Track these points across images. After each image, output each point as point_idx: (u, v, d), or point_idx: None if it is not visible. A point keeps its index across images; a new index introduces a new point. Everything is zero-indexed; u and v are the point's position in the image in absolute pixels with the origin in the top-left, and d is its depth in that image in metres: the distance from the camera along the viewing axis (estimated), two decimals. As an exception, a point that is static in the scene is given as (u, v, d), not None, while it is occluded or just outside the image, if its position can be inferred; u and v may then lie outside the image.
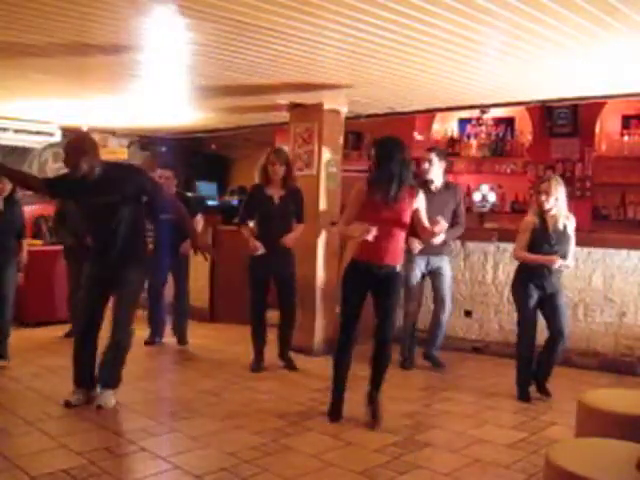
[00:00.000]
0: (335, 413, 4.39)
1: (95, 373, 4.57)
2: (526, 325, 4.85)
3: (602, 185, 7.61)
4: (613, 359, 5.75)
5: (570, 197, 7.49)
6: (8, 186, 5.49)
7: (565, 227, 4.79)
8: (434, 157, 5.55)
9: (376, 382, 4.37)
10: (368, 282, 4.25)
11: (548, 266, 4.73)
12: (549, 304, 4.85)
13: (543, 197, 4.73)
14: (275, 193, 5.50)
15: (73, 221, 6.31)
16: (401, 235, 4.25)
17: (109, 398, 4.47)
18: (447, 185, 5.72)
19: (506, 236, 6.36)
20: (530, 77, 5.11)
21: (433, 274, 5.72)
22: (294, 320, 5.74)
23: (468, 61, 4.56)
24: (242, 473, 3.48)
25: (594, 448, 2.74)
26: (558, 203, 4.74)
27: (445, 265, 5.73)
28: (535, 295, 4.82)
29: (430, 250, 5.46)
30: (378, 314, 4.29)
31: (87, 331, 4.54)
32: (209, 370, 5.64)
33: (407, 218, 4.21)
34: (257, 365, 5.63)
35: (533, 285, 4.81)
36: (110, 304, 4.59)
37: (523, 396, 4.87)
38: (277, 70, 4.99)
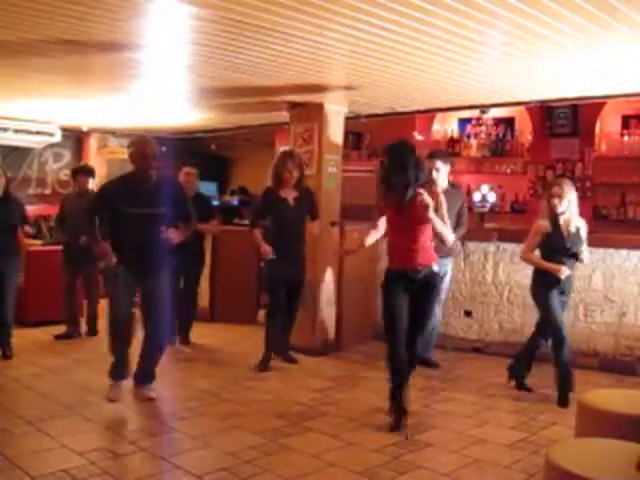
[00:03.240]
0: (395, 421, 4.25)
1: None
2: (560, 333, 4.76)
3: (602, 185, 7.60)
4: (613, 359, 5.74)
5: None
6: (1, 181, 5.50)
7: (578, 229, 4.78)
8: (439, 164, 5.54)
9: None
10: (408, 288, 4.23)
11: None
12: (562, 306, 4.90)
13: (556, 200, 4.71)
14: (289, 195, 5.54)
15: (72, 221, 6.46)
16: (424, 234, 4.24)
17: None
18: (452, 186, 5.74)
19: (506, 236, 6.36)
20: (530, 77, 5.10)
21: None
22: (294, 323, 5.85)
23: (468, 61, 4.56)
24: (242, 473, 3.48)
25: (594, 448, 2.74)
26: (570, 206, 4.73)
27: (449, 267, 5.72)
28: (557, 297, 4.80)
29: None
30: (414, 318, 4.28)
31: None
32: (209, 370, 5.64)
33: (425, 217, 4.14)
34: (265, 365, 5.61)
35: (555, 290, 4.78)
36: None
37: (565, 402, 4.75)
38: (277, 70, 4.99)
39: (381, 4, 3.34)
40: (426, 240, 4.25)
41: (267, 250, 5.45)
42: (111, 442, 3.87)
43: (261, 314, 7.79)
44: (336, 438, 4.05)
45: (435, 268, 4.28)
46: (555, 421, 4.44)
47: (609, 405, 3.20)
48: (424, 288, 4.24)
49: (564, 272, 4.70)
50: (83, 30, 3.97)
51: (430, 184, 4.89)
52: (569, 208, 4.74)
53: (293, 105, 6.48)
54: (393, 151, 4.22)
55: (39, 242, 7.68)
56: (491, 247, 6.39)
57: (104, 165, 9.53)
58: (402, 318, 4.20)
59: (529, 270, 5.86)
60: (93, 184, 6.88)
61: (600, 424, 3.12)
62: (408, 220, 4.20)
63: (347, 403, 4.77)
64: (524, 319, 6.16)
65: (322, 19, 3.63)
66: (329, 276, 6.35)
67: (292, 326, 5.84)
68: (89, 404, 4.57)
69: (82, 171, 6.88)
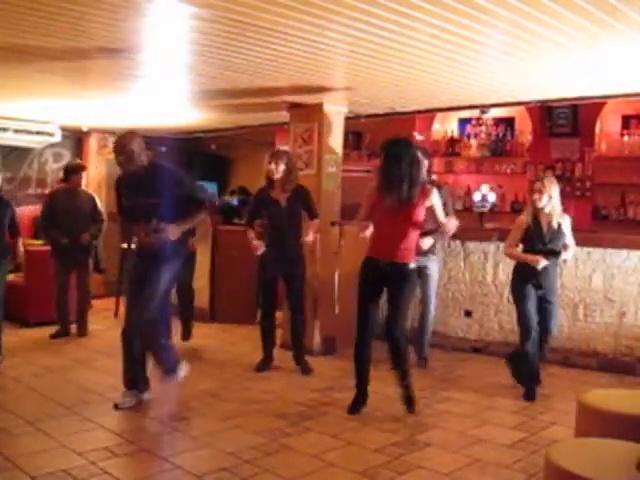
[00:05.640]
0: (355, 407, 4.54)
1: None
2: (528, 324, 4.88)
3: (602, 185, 7.61)
4: (613, 359, 5.74)
5: (570, 197, 7.52)
6: None
7: (559, 225, 4.86)
8: None
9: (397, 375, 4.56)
10: (379, 278, 4.42)
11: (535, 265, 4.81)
12: (542, 302, 4.94)
13: (536, 195, 4.82)
14: (280, 196, 5.48)
15: (65, 220, 6.57)
16: (414, 233, 4.43)
17: None
18: (432, 183, 5.36)
19: (506, 236, 6.34)
20: (530, 77, 5.10)
21: (419, 274, 5.34)
22: (302, 321, 5.67)
23: (468, 61, 4.55)
24: (242, 473, 3.48)
25: (594, 448, 2.74)
26: (552, 202, 4.81)
27: (432, 265, 5.64)
28: (532, 293, 4.88)
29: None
30: (389, 309, 4.45)
31: None
32: (209, 370, 5.63)
33: (419, 217, 4.37)
34: (264, 365, 5.60)
35: (531, 284, 4.88)
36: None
37: (531, 396, 4.89)
38: (277, 70, 4.99)
39: (381, 4, 3.34)
40: (412, 242, 4.42)
41: (256, 245, 5.40)
42: (111, 442, 3.87)
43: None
44: (336, 438, 4.05)
45: (411, 266, 4.43)
46: (555, 421, 4.44)
47: (609, 405, 3.20)
48: (395, 281, 4.40)
49: (540, 262, 4.76)
50: (83, 30, 3.97)
51: (430, 183, 4.96)
52: (550, 203, 4.81)
53: (293, 105, 6.48)
54: (389, 146, 4.36)
55: (39, 242, 7.67)
56: (491, 247, 6.39)
57: (104, 165, 9.52)
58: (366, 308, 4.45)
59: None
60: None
61: (600, 424, 3.12)
62: (402, 221, 4.34)
63: (347, 403, 4.77)
64: (524, 319, 6.16)
65: (322, 19, 3.62)
66: (327, 276, 6.34)
67: (300, 327, 5.65)
68: (89, 404, 4.57)
69: (79, 169, 6.91)
